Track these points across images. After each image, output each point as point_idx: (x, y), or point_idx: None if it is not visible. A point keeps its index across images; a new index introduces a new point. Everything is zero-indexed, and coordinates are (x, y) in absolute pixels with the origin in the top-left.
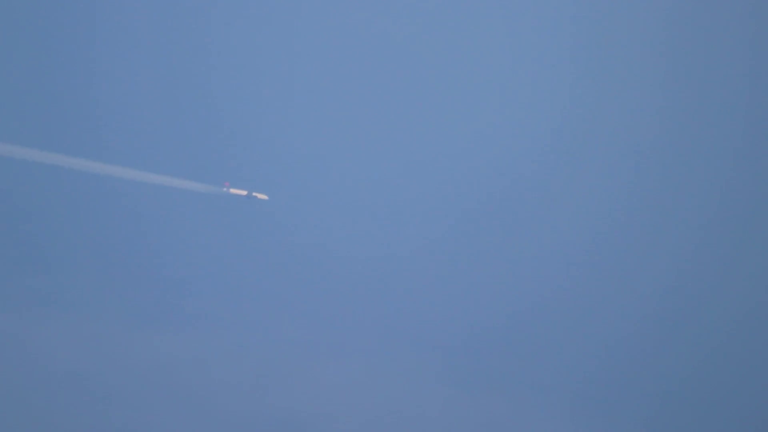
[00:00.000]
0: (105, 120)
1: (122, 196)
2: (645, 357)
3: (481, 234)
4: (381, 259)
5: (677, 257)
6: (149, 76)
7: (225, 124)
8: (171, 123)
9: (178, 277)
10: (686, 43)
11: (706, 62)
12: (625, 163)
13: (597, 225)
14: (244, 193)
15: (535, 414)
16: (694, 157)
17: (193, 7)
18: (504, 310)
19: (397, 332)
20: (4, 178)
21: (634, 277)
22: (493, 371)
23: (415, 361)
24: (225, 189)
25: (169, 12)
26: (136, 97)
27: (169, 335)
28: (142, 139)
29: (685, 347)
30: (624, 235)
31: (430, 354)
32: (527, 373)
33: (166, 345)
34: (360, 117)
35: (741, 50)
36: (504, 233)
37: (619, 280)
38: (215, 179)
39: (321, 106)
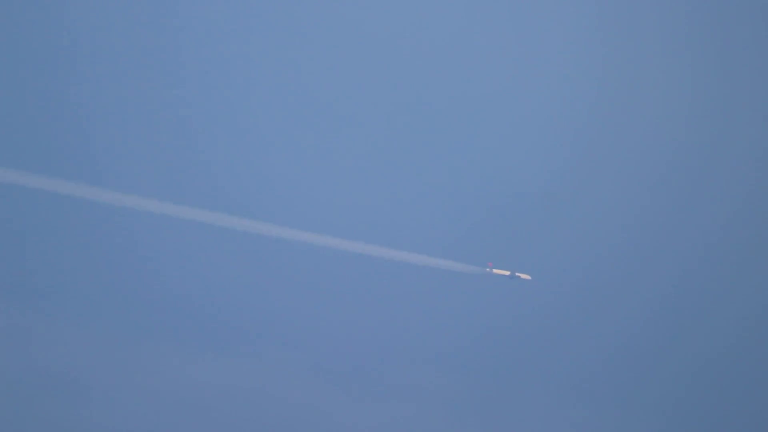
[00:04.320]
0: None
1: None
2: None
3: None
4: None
5: (687, 262)
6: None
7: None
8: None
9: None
10: (701, 48)
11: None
12: (637, 167)
13: (604, 231)
14: (507, 273)
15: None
16: (704, 163)
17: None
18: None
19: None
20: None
21: (641, 283)
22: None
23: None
24: (488, 269)
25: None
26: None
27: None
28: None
29: (688, 359)
30: (631, 242)
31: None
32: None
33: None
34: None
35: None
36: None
37: (624, 286)
38: (479, 260)
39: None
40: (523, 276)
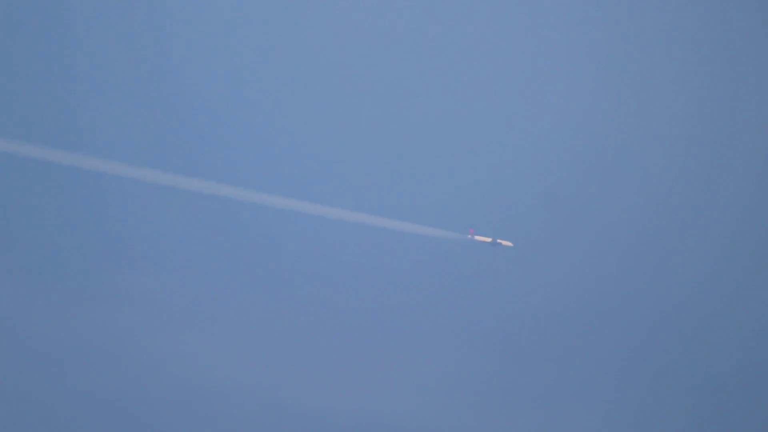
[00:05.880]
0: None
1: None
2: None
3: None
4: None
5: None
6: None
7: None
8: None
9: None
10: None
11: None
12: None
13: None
14: (489, 240)
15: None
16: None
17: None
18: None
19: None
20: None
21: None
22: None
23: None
24: (470, 236)
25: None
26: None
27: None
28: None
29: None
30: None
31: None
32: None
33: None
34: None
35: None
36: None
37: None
38: (460, 227)
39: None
40: (505, 243)
